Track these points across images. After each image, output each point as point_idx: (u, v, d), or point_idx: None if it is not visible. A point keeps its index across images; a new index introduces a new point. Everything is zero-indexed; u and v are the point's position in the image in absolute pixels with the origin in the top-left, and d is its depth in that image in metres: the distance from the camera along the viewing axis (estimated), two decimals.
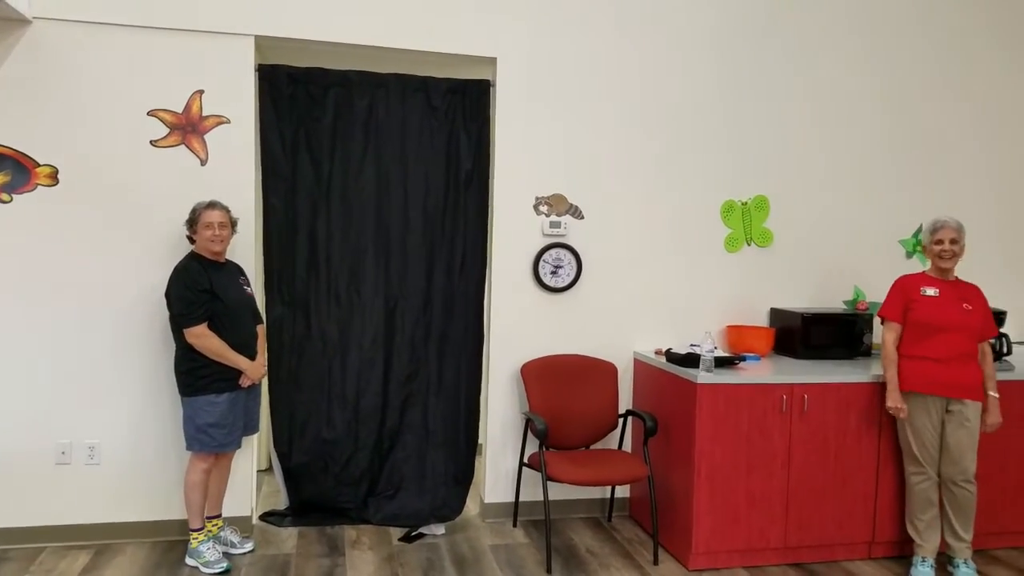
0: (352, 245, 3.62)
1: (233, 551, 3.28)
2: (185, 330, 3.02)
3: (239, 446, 3.22)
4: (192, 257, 3.12)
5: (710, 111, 3.89)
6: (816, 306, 4.06)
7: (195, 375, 3.06)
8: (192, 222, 3.11)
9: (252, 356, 3.19)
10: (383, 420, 3.70)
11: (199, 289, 3.02)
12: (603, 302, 3.84)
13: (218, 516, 3.31)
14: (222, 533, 3.30)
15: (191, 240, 3.15)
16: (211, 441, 3.09)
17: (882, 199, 4.14)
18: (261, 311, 3.48)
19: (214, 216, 3.10)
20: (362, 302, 3.64)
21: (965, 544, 3.31)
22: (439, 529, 3.62)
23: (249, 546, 3.33)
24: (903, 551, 3.54)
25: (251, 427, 3.29)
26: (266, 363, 3.37)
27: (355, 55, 3.67)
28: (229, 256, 3.33)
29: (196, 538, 3.19)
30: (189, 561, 3.19)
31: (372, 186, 3.61)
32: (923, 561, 3.33)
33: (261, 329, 3.33)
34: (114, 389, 3.36)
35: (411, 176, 3.65)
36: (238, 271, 3.26)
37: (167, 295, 3.09)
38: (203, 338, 3.02)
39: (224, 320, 3.08)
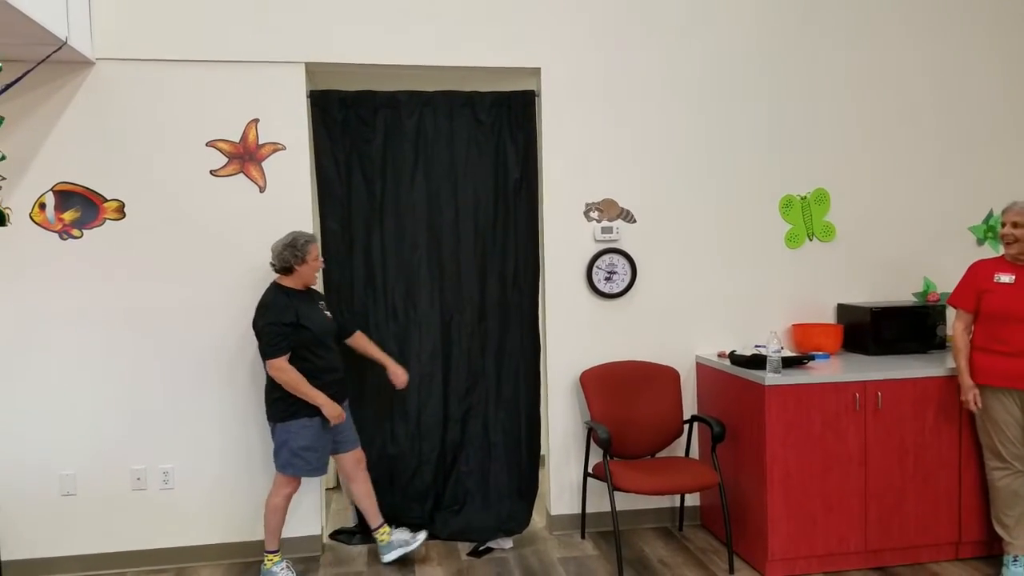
0: (406, 261, 3.65)
1: (411, 548, 3.37)
2: (267, 361, 3.09)
3: (326, 471, 3.28)
4: (279, 290, 3.17)
5: (762, 105, 3.81)
6: (885, 300, 3.93)
7: (288, 400, 3.13)
8: (300, 255, 3.13)
9: (339, 378, 3.24)
10: (444, 434, 3.70)
11: (284, 323, 3.08)
12: (661, 306, 3.78)
13: (382, 524, 3.43)
14: (394, 537, 3.39)
15: (287, 271, 3.16)
16: (305, 465, 3.16)
17: (949, 185, 3.99)
18: None
19: (318, 247, 3.22)
20: (418, 317, 3.66)
21: None
22: (507, 543, 3.60)
23: (423, 535, 3.42)
24: (992, 550, 3.39)
25: (351, 443, 3.36)
26: (388, 360, 3.46)
27: (402, 75, 3.71)
28: None
29: (271, 559, 3.24)
30: None
31: (423, 202, 3.65)
32: (1015, 560, 3.18)
33: (361, 336, 3.44)
34: (186, 414, 3.44)
35: (461, 190, 3.67)
36: (318, 296, 3.32)
37: (254, 326, 3.15)
38: (283, 371, 3.08)
39: (312, 347, 3.15)
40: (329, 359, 3.20)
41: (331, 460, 3.42)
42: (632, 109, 3.73)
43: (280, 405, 3.14)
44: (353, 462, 3.37)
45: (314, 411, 3.14)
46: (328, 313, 3.30)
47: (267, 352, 3.08)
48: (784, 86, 3.83)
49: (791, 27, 3.83)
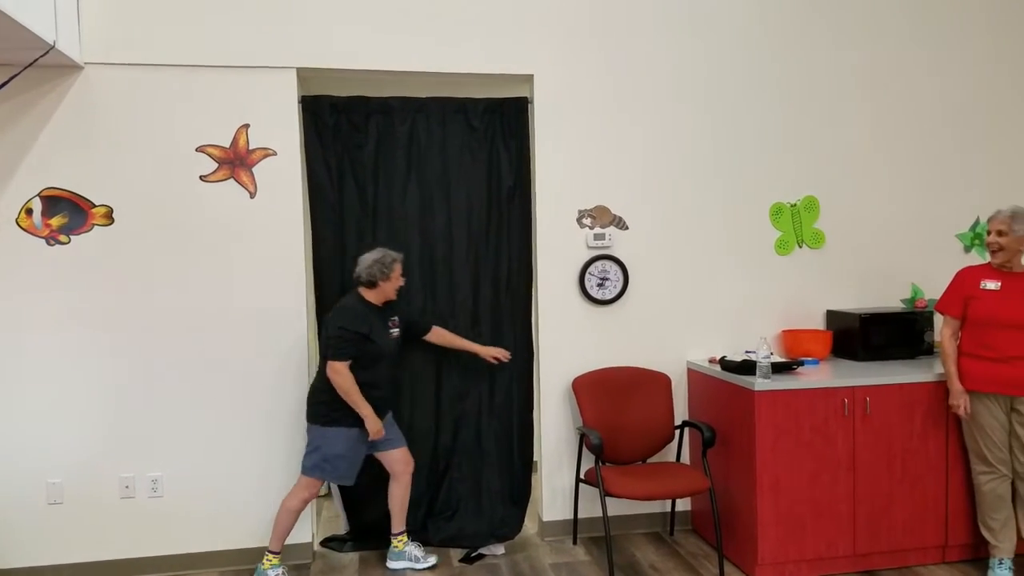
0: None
1: (416, 566, 3.39)
2: (329, 362, 3.12)
3: (353, 482, 3.28)
4: (360, 299, 3.22)
5: (753, 114, 3.84)
6: (873, 306, 3.97)
7: (333, 405, 3.15)
8: (387, 271, 3.20)
9: (380, 396, 3.24)
10: (437, 440, 3.70)
11: (356, 331, 3.12)
12: (652, 312, 3.80)
13: (403, 532, 3.42)
14: (407, 548, 3.41)
15: (371, 285, 3.20)
16: (333, 471, 3.19)
17: (936, 192, 4.04)
18: (313, 337, 3.56)
19: (401, 266, 3.28)
20: None
21: None
22: (499, 549, 3.61)
23: (432, 560, 3.42)
24: (978, 554, 3.44)
25: (397, 441, 3.39)
26: (478, 347, 3.55)
27: (395, 81, 3.70)
28: (282, 285, 3.46)
29: (270, 560, 3.25)
30: None
31: (416, 208, 3.64)
32: (1000, 563, 3.23)
33: (438, 330, 3.49)
34: (174, 422, 3.41)
35: (453, 196, 3.66)
36: (390, 312, 3.32)
37: (326, 324, 3.21)
38: (341, 375, 3.11)
39: (368, 361, 3.19)
40: (377, 376, 3.23)
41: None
42: (623, 117, 3.74)
43: (323, 409, 3.17)
44: (399, 463, 3.38)
45: (354, 421, 3.16)
46: (395, 331, 3.32)
47: (331, 354, 3.12)
48: (772, 96, 3.86)
49: (781, 38, 3.86)
